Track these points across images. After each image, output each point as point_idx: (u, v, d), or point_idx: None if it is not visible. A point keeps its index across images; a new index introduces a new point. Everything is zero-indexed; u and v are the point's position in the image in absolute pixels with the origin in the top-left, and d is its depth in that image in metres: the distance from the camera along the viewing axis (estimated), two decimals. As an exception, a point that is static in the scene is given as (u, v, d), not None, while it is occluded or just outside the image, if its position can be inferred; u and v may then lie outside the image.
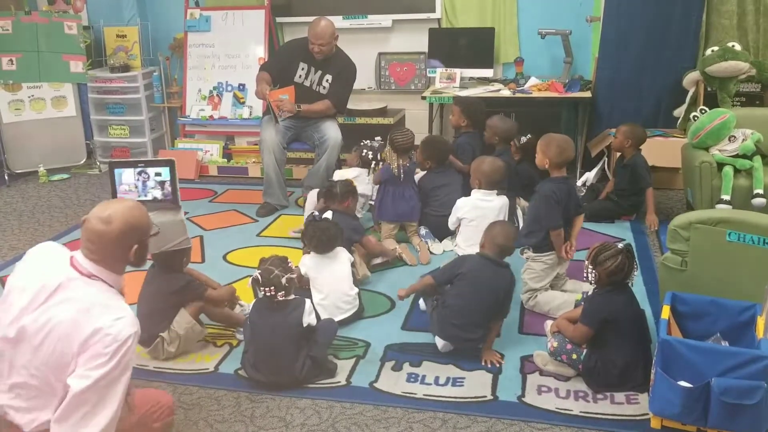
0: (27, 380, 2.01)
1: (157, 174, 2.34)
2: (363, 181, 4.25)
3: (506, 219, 3.54)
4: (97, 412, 1.92)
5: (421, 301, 3.24)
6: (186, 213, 4.82)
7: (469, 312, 2.85)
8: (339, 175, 4.25)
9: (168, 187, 2.34)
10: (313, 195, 4.29)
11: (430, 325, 3.01)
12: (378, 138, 5.61)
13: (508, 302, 2.93)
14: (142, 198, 2.37)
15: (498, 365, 2.86)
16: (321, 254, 3.23)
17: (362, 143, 4.41)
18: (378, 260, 3.86)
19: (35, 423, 2.01)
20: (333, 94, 4.74)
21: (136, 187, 2.38)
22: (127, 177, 2.36)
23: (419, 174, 4.27)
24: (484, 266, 2.91)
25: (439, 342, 2.95)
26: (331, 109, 4.76)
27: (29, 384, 2.02)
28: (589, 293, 2.83)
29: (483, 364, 2.87)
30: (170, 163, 2.35)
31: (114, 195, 2.40)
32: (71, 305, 1.96)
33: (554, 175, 3.31)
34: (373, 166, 4.27)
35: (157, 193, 2.35)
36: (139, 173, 2.37)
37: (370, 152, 4.26)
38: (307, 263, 3.23)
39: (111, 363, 1.91)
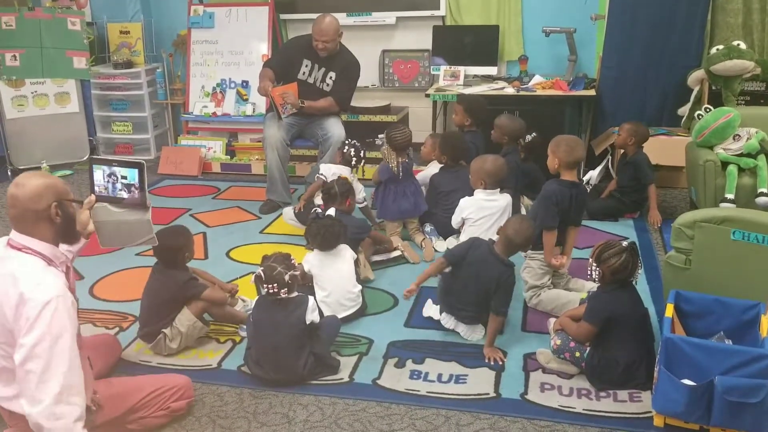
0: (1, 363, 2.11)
1: (123, 177, 2.42)
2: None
3: (509, 216, 3.53)
4: (47, 378, 1.98)
5: (427, 307, 3.24)
6: (189, 210, 4.85)
7: (463, 294, 2.98)
8: (323, 168, 4.20)
9: (134, 190, 2.42)
10: (289, 211, 4.28)
11: (437, 294, 3.15)
12: (381, 136, 5.62)
13: (501, 299, 2.92)
14: (112, 196, 2.49)
15: (501, 362, 2.86)
16: (324, 251, 3.23)
17: (346, 141, 4.35)
18: (379, 257, 3.86)
19: (13, 402, 2.12)
20: (336, 91, 4.74)
21: (106, 188, 2.48)
22: (98, 177, 2.45)
23: (428, 169, 4.23)
24: (485, 259, 2.96)
25: (440, 314, 3.11)
26: (334, 106, 4.76)
27: (3, 366, 2.11)
28: (593, 291, 2.83)
29: (486, 361, 2.87)
30: (139, 166, 2.42)
31: (92, 190, 2.48)
32: (4, 279, 2.05)
33: (564, 177, 3.27)
34: (353, 163, 4.20)
35: (124, 194, 2.46)
36: (109, 175, 2.46)
37: (352, 149, 4.21)
38: (310, 260, 3.23)
39: (38, 326, 1.98)
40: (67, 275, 2.23)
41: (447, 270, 3.06)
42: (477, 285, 2.94)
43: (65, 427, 2.00)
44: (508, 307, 2.99)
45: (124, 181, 2.45)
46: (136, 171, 2.43)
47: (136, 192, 2.45)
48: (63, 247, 2.41)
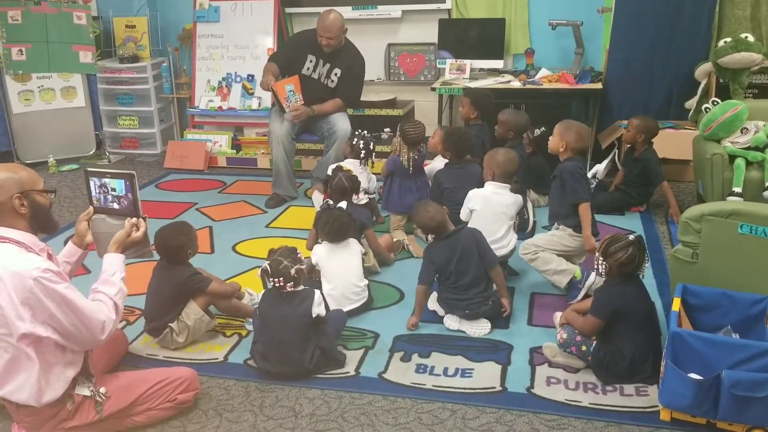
0: None
1: (113, 189, 2.49)
2: (356, 172, 4.17)
3: (515, 216, 3.52)
4: (87, 326, 2.17)
5: (432, 301, 3.24)
6: (195, 204, 4.86)
7: (461, 284, 3.02)
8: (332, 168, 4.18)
9: (123, 201, 2.46)
10: (319, 195, 4.27)
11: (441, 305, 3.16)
12: (387, 130, 5.61)
13: (486, 252, 3.07)
14: (110, 207, 2.54)
15: (505, 312, 3.09)
16: (333, 243, 3.23)
17: (356, 133, 4.34)
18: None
19: (18, 393, 2.18)
20: (344, 91, 4.73)
21: (98, 200, 2.53)
22: (93, 189, 2.52)
23: (434, 163, 4.23)
24: (444, 244, 3.07)
25: (448, 319, 3.10)
26: (342, 107, 4.76)
27: (6, 359, 2.14)
28: (594, 284, 2.82)
29: (504, 314, 3.08)
30: (129, 176, 2.46)
31: (90, 202, 2.54)
32: None
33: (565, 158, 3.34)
34: (363, 156, 4.19)
35: (116, 206, 2.51)
36: (100, 186, 2.51)
37: (361, 141, 4.20)
38: (318, 252, 3.23)
39: (38, 307, 2.07)
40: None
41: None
42: (466, 262, 3.01)
43: (114, 308, 2.30)
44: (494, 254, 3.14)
45: (113, 193, 2.47)
46: (122, 182, 2.44)
47: (126, 203, 2.46)
48: (61, 258, 2.43)
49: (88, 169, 2.56)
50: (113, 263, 2.38)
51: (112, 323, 2.25)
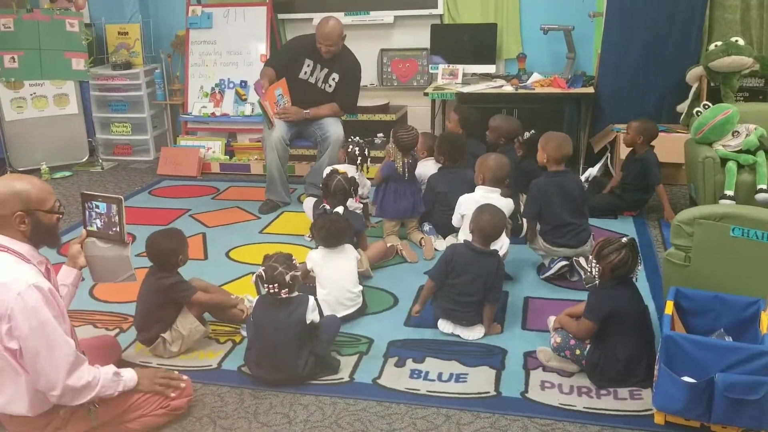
0: None
1: (97, 206, 2.51)
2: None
3: (507, 218, 3.54)
4: (52, 365, 2.09)
5: None
6: (188, 210, 4.85)
7: (462, 299, 3.01)
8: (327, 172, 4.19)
9: (104, 219, 2.49)
10: (310, 201, 4.26)
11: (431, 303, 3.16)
12: (380, 135, 5.62)
13: (498, 287, 3.06)
14: (89, 228, 2.54)
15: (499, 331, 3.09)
16: (328, 248, 3.23)
17: (350, 140, 4.35)
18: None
19: (12, 406, 2.17)
20: (341, 96, 4.75)
21: (83, 216, 2.55)
22: (86, 210, 2.54)
23: (424, 164, 4.24)
24: (471, 256, 3.03)
25: (442, 323, 3.10)
26: (338, 112, 4.78)
27: None
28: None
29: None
30: (116, 201, 2.49)
31: (84, 225, 2.54)
32: None
33: (552, 170, 3.52)
34: (359, 162, 4.21)
35: (98, 222, 2.51)
36: (89, 206, 2.53)
37: (357, 148, 4.21)
38: (314, 258, 3.23)
39: (18, 324, 2.03)
40: (47, 276, 2.22)
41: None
42: (477, 285, 2.98)
43: (88, 387, 2.19)
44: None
45: (96, 210, 2.49)
46: (107, 204, 2.45)
47: (107, 221, 2.46)
48: (59, 280, 2.40)
49: (85, 192, 2.56)
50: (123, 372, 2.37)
51: (81, 381, 2.17)
